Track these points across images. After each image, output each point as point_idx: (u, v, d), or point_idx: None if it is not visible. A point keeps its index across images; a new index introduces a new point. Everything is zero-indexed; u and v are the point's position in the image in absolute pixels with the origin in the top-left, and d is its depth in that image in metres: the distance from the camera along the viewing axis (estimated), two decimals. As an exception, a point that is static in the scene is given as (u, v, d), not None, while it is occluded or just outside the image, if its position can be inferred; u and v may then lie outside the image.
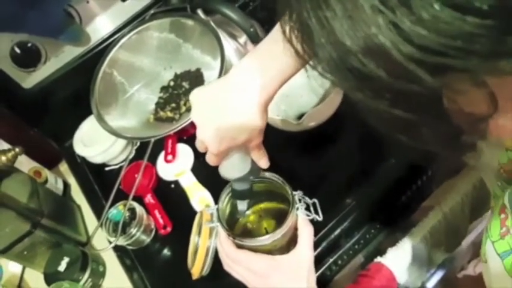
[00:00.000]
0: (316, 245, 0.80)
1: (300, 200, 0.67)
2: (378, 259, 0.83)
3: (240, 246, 0.65)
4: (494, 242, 0.49)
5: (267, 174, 0.68)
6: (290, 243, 0.68)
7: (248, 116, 0.53)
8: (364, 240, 0.86)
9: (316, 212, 0.68)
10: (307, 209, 0.68)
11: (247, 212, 0.73)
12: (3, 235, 0.79)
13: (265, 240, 0.63)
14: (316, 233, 0.80)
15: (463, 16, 0.20)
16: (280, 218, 0.65)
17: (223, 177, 0.63)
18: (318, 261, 0.82)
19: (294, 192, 0.66)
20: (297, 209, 0.66)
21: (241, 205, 0.66)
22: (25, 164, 0.96)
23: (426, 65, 0.23)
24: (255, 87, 0.52)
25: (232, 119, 0.54)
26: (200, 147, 0.60)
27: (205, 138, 0.56)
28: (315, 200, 0.68)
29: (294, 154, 0.92)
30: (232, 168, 0.61)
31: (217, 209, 0.66)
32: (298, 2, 0.26)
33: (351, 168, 0.88)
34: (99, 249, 0.84)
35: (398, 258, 0.81)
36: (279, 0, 0.28)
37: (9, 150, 0.76)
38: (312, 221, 0.72)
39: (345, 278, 0.86)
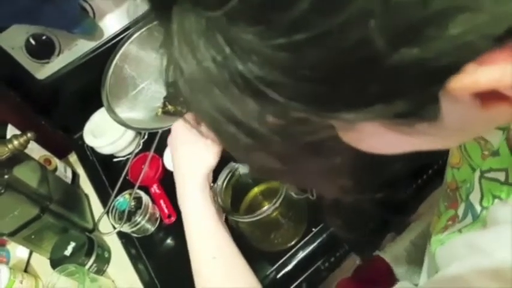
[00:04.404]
0: (313, 239, 0.82)
1: None
2: (376, 252, 0.84)
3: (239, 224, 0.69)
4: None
5: None
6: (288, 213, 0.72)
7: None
8: (361, 236, 0.87)
9: (311, 192, 0.70)
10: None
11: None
12: (13, 218, 0.82)
13: (254, 216, 0.67)
14: (316, 225, 0.83)
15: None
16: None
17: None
18: (319, 253, 0.83)
19: None
20: (288, 187, 0.68)
21: (244, 168, 0.69)
22: (36, 151, 0.99)
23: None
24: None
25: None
26: None
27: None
28: None
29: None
30: None
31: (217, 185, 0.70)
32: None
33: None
34: (104, 233, 0.86)
35: (396, 252, 0.83)
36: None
37: (21, 135, 0.79)
38: (312, 209, 0.75)
39: (342, 273, 0.88)
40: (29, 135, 0.78)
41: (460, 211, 0.46)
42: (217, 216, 0.61)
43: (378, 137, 0.26)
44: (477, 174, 0.43)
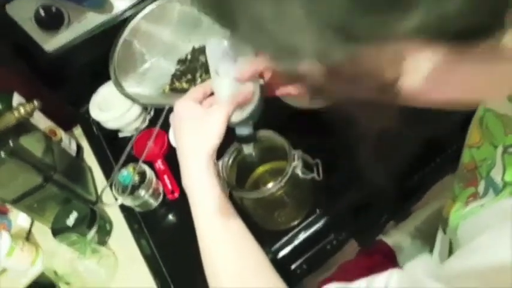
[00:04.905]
0: (317, 220, 0.82)
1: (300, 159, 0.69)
2: (380, 237, 0.84)
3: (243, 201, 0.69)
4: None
5: (267, 132, 0.71)
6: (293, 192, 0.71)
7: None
8: (367, 219, 0.87)
9: (318, 173, 0.70)
10: (309, 166, 0.70)
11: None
12: (16, 185, 0.82)
13: (259, 193, 0.67)
14: (321, 206, 0.82)
15: None
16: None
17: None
18: (322, 234, 0.83)
19: (294, 151, 0.68)
20: (295, 166, 0.67)
21: (247, 149, 0.68)
22: (42, 122, 0.99)
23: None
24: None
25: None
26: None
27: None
28: (318, 161, 0.69)
29: (303, 132, 0.93)
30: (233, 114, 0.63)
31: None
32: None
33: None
34: (107, 204, 0.86)
35: (400, 238, 0.83)
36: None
37: (27, 103, 0.79)
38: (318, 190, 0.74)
39: (344, 255, 0.87)
40: (35, 103, 0.78)
41: (481, 188, 0.46)
42: (223, 194, 0.60)
43: (443, 76, 0.26)
44: (499, 150, 0.43)
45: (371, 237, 0.89)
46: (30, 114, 0.79)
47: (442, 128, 0.84)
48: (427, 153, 0.88)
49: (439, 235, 0.64)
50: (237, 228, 0.58)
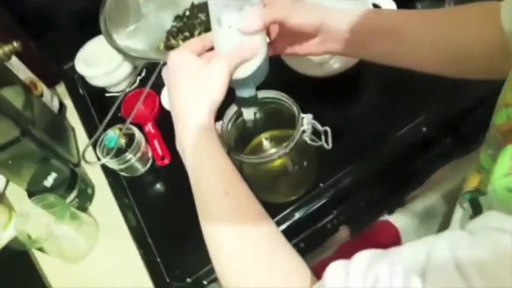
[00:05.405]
0: (319, 195, 0.75)
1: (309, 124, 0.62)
2: (385, 217, 0.78)
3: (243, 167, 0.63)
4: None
5: (274, 93, 0.64)
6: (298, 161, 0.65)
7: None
8: (372, 197, 0.81)
9: (326, 141, 0.62)
10: (316, 135, 0.63)
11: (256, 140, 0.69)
12: (-11, 137, 0.73)
13: (262, 157, 0.61)
14: (324, 180, 0.76)
15: None
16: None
17: None
18: (323, 211, 0.77)
19: (303, 115, 0.61)
20: (303, 131, 0.61)
21: (248, 113, 0.61)
22: (22, 72, 0.89)
23: None
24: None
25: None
26: None
27: None
28: (327, 128, 0.62)
29: (309, 101, 0.87)
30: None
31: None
32: None
33: (372, 122, 0.82)
34: (89, 162, 0.77)
35: (406, 218, 0.77)
36: None
37: (6, 44, 0.70)
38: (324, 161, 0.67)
39: (346, 234, 0.81)
40: (14, 44, 0.69)
41: None
42: (226, 154, 0.53)
43: None
44: None
45: (361, 227, 0.83)
46: (9, 56, 0.70)
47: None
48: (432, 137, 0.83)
49: (457, 212, 0.58)
50: (242, 189, 0.50)
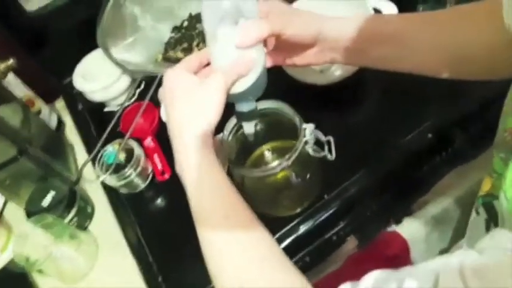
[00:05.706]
0: (324, 207, 0.73)
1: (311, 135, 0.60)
2: (393, 227, 0.76)
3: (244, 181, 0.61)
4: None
5: (274, 103, 0.62)
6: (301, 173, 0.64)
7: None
8: (378, 207, 0.79)
9: (330, 150, 0.60)
10: (319, 145, 0.61)
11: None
12: (-14, 157, 0.72)
13: (264, 171, 0.59)
14: (329, 191, 0.74)
15: None
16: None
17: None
18: (329, 223, 0.74)
19: (305, 125, 0.59)
20: (306, 142, 0.59)
21: (248, 127, 0.59)
22: (19, 89, 0.88)
23: None
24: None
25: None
26: None
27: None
28: (330, 138, 0.60)
29: (311, 109, 0.85)
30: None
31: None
32: None
33: (376, 130, 0.80)
34: (88, 179, 0.76)
35: (414, 228, 0.75)
36: None
37: (2, 61, 0.68)
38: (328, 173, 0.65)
39: (354, 245, 0.79)
40: (10, 61, 0.68)
41: None
42: (225, 174, 0.51)
43: None
44: None
45: (368, 238, 0.81)
46: (5, 73, 0.68)
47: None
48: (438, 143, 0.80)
49: (473, 217, 0.55)
50: (242, 209, 0.48)
